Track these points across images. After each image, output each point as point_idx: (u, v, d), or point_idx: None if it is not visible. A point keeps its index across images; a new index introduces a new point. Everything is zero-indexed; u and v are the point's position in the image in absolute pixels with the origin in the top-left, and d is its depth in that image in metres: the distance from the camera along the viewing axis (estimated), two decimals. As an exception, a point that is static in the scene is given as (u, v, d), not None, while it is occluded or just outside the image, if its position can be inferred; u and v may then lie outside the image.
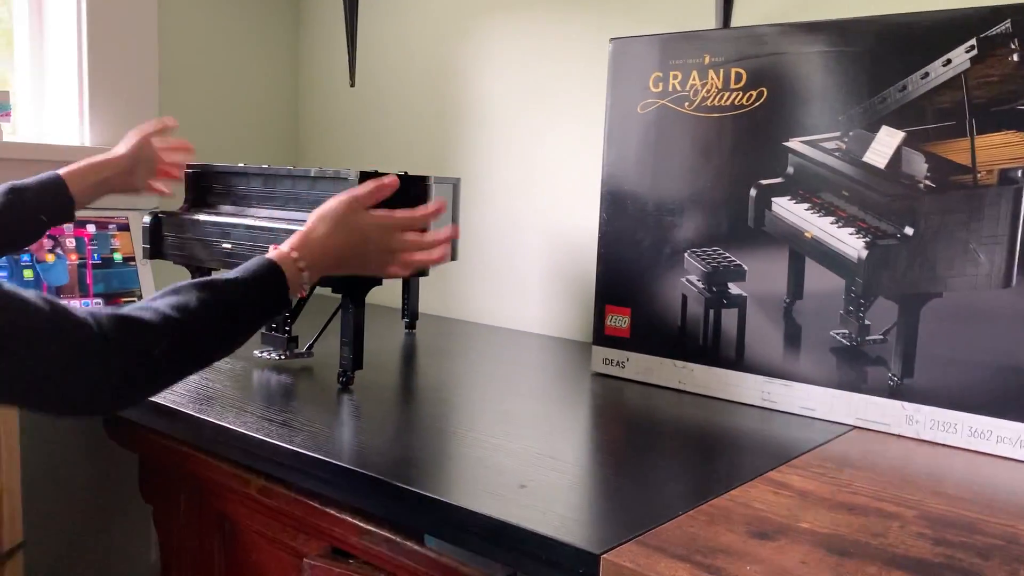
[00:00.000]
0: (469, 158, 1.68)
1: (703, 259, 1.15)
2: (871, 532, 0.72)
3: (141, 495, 1.29)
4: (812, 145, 1.06)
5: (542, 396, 1.14)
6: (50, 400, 0.73)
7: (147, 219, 1.27)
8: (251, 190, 1.24)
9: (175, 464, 1.15)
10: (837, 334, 1.05)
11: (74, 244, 1.51)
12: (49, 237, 1.49)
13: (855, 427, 1.04)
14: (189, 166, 1.30)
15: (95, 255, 1.53)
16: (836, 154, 1.04)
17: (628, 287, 1.22)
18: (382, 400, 1.09)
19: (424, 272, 1.15)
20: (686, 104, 1.15)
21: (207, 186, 1.30)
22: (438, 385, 1.20)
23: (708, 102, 1.14)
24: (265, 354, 1.25)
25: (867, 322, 1.03)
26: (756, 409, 1.11)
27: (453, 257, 1.42)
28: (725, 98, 1.12)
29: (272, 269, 0.91)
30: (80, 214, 1.54)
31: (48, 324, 0.71)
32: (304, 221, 1.03)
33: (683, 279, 1.17)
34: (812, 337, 1.07)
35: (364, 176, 1.09)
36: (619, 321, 1.23)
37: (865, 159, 1.02)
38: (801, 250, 1.07)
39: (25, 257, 1.45)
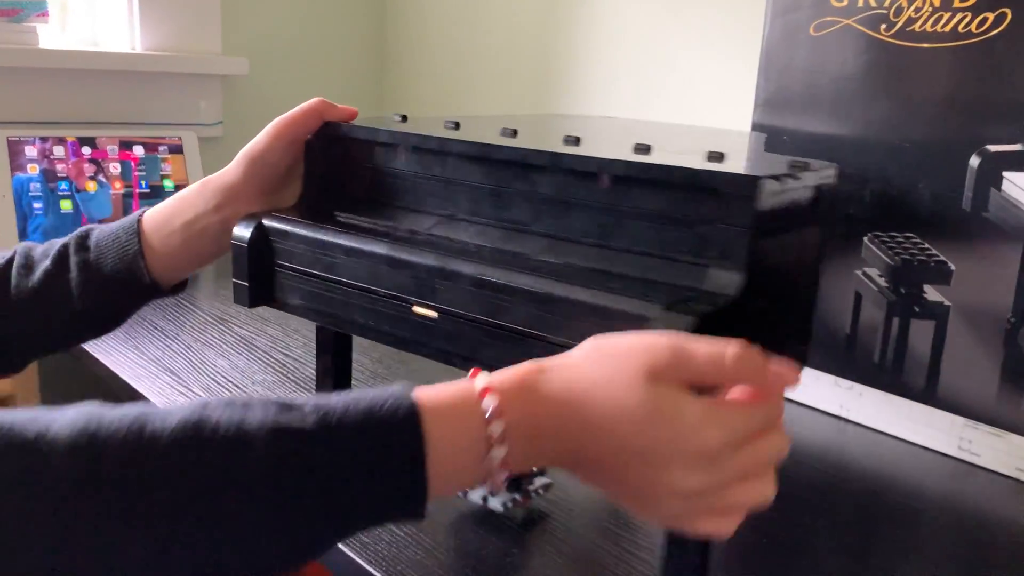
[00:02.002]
0: (582, 88, 1.37)
1: (891, 247, 0.84)
2: None
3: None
4: (1079, 100, 0.72)
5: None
6: None
7: (243, 230, 0.66)
8: (455, 180, 0.62)
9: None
10: (1087, 377, 0.74)
11: (119, 170, 1.30)
12: (91, 162, 1.29)
13: (1101, 510, 0.73)
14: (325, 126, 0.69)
15: (142, 183, 1.32)
16: (1118, 116, 0.70)
17: (779, 273, 0.92)
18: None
19: None
20: (883, 27, 0.82)
21: (356, 165, 0.68)
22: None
23: (917, 25, 0.80)
24: (475, 497, 0.66)
25: None
26: (950, 460, 0.81)
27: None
28: (944, 21, 0.78)
29: (404, 420, 0.42)
30: (127, 133, 1.34)
31: None
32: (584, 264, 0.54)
33: (859, 271, 0.86)
34: (1046, 376, 0.76)
35: (751, 183, 0.51)
36: (764, 316, 0.94)
37: None
38: (1043, 251, 0.75)
39: (63, 185, 1.26)
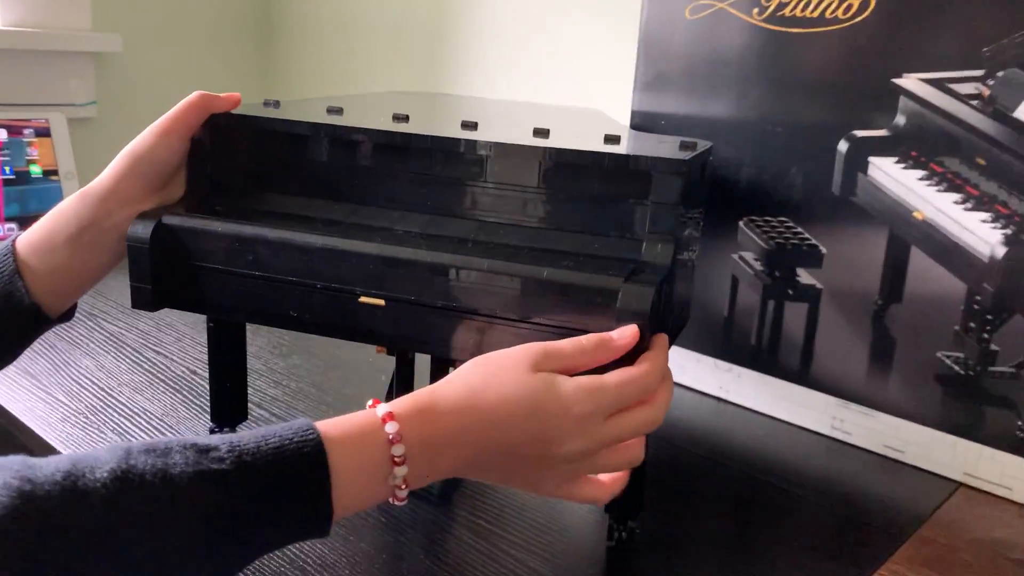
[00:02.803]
0: (464, 72, 1.34)
1: (764, 232, 0.84)
2: None
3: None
4: (937, 87, 0.73)
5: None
6: None
7: (141, 230, 0.61)
8: (368, 168, 0.63)
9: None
10: (947, 357, 0.76)
11: (-20, 155, 1.23)
12: (-53, 147, 1.21)
13: (961, 484, 0.76)
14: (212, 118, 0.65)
15: (6, 168, 1.24)
16: (974, 103, 0.72)
17: (660, 257, 0.92)
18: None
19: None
20: (755, 11, 0.82)
21: (251, 155, 0.66)
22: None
23: (787, 10, 0.80)
24: None
25: (994, 347, 0.73)
26: (823, 439, 0.83)
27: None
28: (813, 6, 0.79)
29: (310, 456, 0.45)
30: (-14, 117, 1.26)
31: None
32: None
33: (735, 255, 0.87)
34: (910, 356, 0.78)
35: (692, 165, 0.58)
36: (646, 300, 0.94)
37: (1018, 114, 0.70)
38: (906, 235, 0.77)
39: (-83, 172, 1.17)
